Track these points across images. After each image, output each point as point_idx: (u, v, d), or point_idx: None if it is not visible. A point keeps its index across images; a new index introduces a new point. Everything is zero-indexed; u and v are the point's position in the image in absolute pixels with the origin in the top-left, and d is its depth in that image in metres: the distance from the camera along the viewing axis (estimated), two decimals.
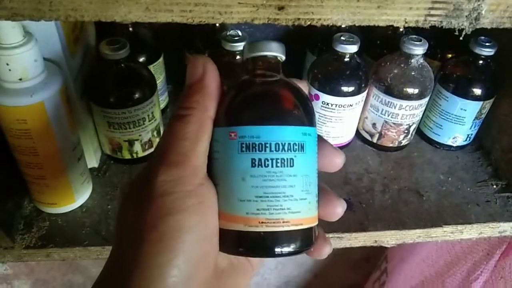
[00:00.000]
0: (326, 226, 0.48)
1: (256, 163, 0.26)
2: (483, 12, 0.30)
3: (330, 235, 0.49)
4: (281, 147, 0.26)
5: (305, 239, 0.27)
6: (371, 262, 1.06)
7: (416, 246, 0.82)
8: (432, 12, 0.29)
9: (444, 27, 0.30)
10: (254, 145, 0.26)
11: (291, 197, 0.26)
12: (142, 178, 0.26)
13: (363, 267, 1.10)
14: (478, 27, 0.30)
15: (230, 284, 0.29)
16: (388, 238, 0.51)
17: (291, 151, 0.26)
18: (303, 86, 0.30)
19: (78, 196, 0.48)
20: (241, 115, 0.27)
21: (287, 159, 0.26)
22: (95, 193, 0.50)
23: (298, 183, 0.26)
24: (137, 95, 0.48)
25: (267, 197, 0.26)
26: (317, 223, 0.28)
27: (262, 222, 0.26)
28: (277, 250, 0.26)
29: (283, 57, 0.29)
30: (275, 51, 0.29)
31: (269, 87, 0.28)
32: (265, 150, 0.26)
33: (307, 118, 0.28)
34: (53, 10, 0.27)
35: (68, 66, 0.43)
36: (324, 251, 0.29)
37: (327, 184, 0.54)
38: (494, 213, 0.53)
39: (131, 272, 0.23)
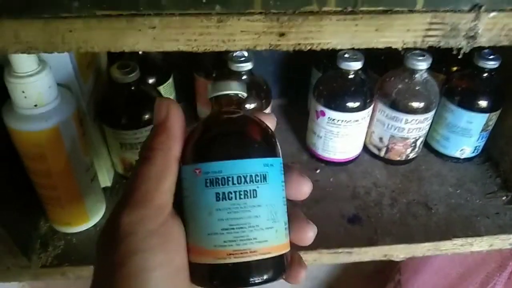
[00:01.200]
0: (335, 241, 0.49)
1: (221, 196, 0.27)
2: (480, 31, 0.30)
3: (340, 250, 0.49)
4: (243, 179, 0.27)
5: (275, 267, 0.28)
6: (385, 274, 1.06)
7: (429, 257, 0.82)
8: (430, 33, 0.30)
9: (441, 47, 0.31)
10: (217, 180, 0.27)
11: (256, 227, 0.27)
12: (111, 217, 0.27)
13: (377, 278, 1.09)
14: (475, 45, 0.31)
15: None
16: (398, 252, 0.51)
17: (253, 182, 0.27)
18: (269, 119, 0.31)
19: (92, 216, 0.49)
20: (204, 152, 0.28)
21: (250, 190, 0.27)
22: (108, 212, 0.51)
23: (263, 213, 0.27)
24: (147, 116, 0.49)
25: (233, 229, 0.27)
26: (288, 250, 0.29)
27: (230, 254, 0.26)
28: (247, 280, 0.27)
29: (245, 94, 0.31)
30: (235, 89, 0.30)
31: (229, 123, 0.30)
32: (228, 184, 0.27)
33: (268, 149, 0.29)
34: (65, 43, 0.28)
35: (81, 91, 0.44)
36: (299, 276, 0.30)
37: (334, 198, 0.55)
38: (504, 225, 0.53)
39: None
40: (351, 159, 0.58)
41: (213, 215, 0.27)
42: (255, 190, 0.27)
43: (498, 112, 0.56)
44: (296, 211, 0.30)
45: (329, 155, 0.56)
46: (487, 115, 0.55)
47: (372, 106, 0.54)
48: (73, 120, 0.42)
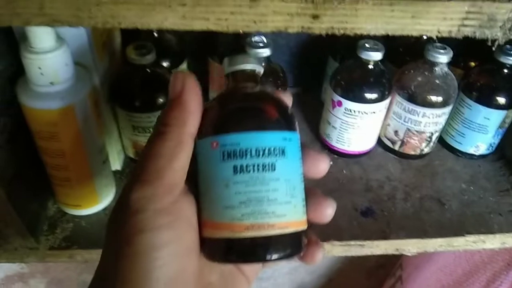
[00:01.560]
0: (347, 234, 0.49)
1: (238, 169, 0.26)
2: None
3: (352, 242, 0.49)
4: (261, 152, 0.26)
5: (293, 243, 0.27)
6: (386, 269, 1.06)
7: (432, 254, 0.82)
8: (466, 22, 0.29)
9: (477, 38, 0.30)
10: (235, 152, 0.26)
11: (275, 201, 0.26)
12: (122, 193, 0.26)
13: (378, 273, 1.09)
14: None
15: None
16: (410, 246, 0.50)
17: (271, 155, 0.27)
18: (287, 97, 0.31)
19: (102, 199, 0.49)
20: (221, 125, 0.27)
21: (268, 163, 0.26)
22: (118, 196, 0.51)
23: (281, 187, 0.27)
24: (162, 100, 0.48)
25: (251, 202, 0.26)
26: (305, 227, 0.28)
27: (248, 228, 0.26)
28: (265, 255, 0.27)
29: (261, 70, 0.30)
30: (252, 64, 0.30)
31: (247, 96, 0.29)
32: (246, 156, 0.26)
33: (287, 123, 0.28)
34: (92, 17, 0.27)
35: (96, 70, 0.43)
36: (316, 256, 0.29)
37: (347, 190, 0.54)
38: None
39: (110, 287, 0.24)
40: (365, 151, 0.57)
41: (230, 188, 0.26)
42: (274, 163, 0.27)
43: None
44: (313, 188, 0.30)
45: (343, 146, 0.56)
46: (505, 112, 0.54)
47: (389, 98, 0.53)
48: (89, 100, 0.41)
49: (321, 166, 0.29)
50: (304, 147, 0.29)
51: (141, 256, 0.24)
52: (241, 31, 0.28)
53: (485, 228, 0.51)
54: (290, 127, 0.28)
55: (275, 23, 0.28)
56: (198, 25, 0.28)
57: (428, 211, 0.53)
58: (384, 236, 0.49)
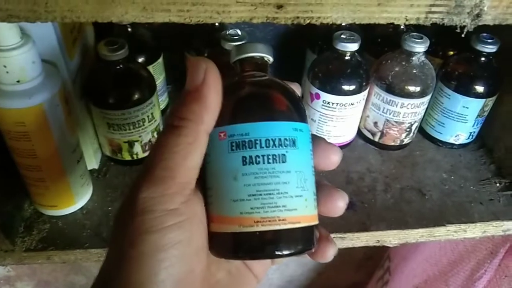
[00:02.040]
0: (327, 226, 0.48)
1: (247, 160, 0.25)
2: (485, 8, 0.29)
3: (333, 235, 0.48)
4: (271, 143, 0.25)
5: (304, 239, 0.26)
6: (374, 261, 1.06)
7: (419, 245, 0.82)
8: (433, 9, 0.29)
9: (445, 24, 0.30)
10: (244, 143, 0.25)
11: (285, 194, 0.25)
12: (130, 191, 0.25)
13: (366, 266, 1.09)
14: (480, 23, 0.30)
15: None
16: (391, 238, 0.50)
17: (282, 146, 0.26)
18: (295, 87, 0.29)
19: (79, 198, 0.48)
20: (229, 114, 0.26)
21: (278, 155, 0.25)
22: (96, 195, 0.50)
23: (292, 180, 0.26)
24: (136, 96, 0.47)
25: (261, 195, 0.25)
26: (317, 222, 0.27)
27: (257, 221, 0.25)
28: (275, 250, 0.25)
29: (271, 58, 0.29)
30: (262, 51, 0.29)
31: (256, 85, 0.28)
32: (255, 147, 0.25)
33: (297, 114, 0.27)
34: (48, 11, 0.26)
35: (66, 67, 0.43)
36: (328, 253, 0.28)
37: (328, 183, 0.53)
38: (497, 211, 0.52)
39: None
40: (345, 143, 0.57)
41: (238, 180, 0.25)
42: (284, 154, 0.26)
43: (494, 97, 0.55)
44: (323, 181, 0.28)
45: None
46: (483, 100, 0.54)
47: (367, 90, 0.53)
48: (59, 98, 0.40)
49: (333, 157, 0.28)
50: (314, 138, 0.28)
51: (146, 258, 0.23)
52: (204, 22, 0.28)
53: (466, 217, 0.51)
54: (301, 117, 0.27)
55: (238, 13, 0.27)
56: (160, 17, 0.27)
57: (409, 201, 0.53)
58: (365, 228, 0.49)
